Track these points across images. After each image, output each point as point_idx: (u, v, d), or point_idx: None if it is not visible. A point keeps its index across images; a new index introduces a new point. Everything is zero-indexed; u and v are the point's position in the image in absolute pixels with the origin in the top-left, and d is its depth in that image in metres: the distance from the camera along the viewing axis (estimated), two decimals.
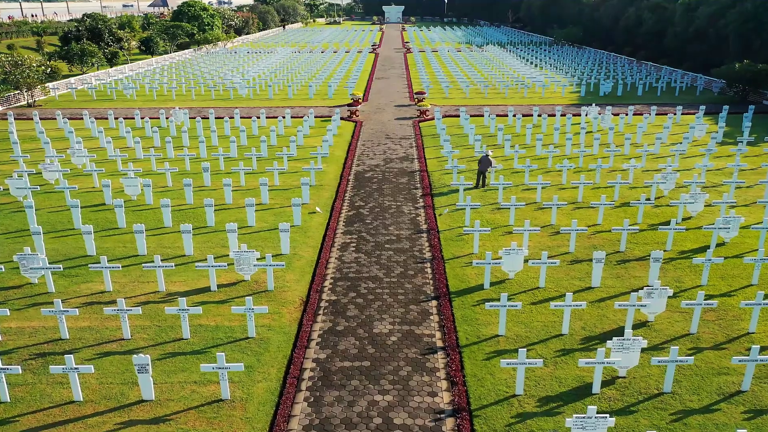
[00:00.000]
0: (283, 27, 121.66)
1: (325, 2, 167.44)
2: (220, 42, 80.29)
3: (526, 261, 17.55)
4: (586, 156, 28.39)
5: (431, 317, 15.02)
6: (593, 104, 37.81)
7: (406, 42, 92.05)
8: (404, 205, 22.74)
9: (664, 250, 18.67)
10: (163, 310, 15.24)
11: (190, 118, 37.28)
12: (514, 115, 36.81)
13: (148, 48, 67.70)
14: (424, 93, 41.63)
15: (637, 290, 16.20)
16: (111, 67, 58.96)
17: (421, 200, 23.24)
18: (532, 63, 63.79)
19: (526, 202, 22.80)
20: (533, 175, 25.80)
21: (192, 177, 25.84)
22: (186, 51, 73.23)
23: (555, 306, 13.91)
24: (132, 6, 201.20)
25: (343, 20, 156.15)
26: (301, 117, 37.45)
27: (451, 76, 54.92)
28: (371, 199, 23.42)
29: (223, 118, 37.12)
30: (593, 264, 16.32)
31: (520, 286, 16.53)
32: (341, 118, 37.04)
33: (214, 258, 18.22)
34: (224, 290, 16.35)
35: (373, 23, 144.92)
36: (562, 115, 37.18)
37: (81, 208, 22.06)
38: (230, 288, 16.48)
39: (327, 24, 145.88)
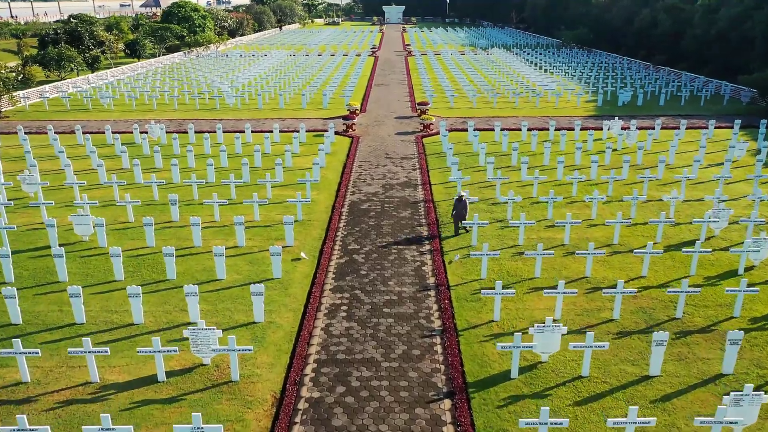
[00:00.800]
0: (280, 28, 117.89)
1: (324, 2, 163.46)
2: (212, 44, 76.57)
3: (564, 334, 13.86)
4: (615, 182, 24.65)
5: (444, 429, 11.31)
6: (615, 117, 34.07)
7: (407, 44, 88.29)
8: (407, 249, 19.01)
9: (731, 317, 14.99)
10: (90, 414, 11.56)
11: (167, 132, 33.56)
12: (529, 130, 33.12)
13: (133, 51, 63.84)
14: (428, 103, 37.91)
15: (707, 382, 12.52)
16: (92, 72, 55.22)
17: (427, 242, 19.53)
18: (540, 67, 60.05)
19: (553, 244, 19.10)
20: (558, 207, 22.08)
21: (159, 210, 22.15)
22: (176, 54, 69.48)
23: (615, 424, 10.23)
24: (128, 5, 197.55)
25: (342, 20, 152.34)
26: (292, 131, 33.75)
27: (455, 82, 51.18)
28: (367, 240, 19.70)
29: (204, 132, 33.42)
30: (652, 347, 12.61)
31: (558, 375, 12.82)
32: (336, 133, 33.33)
33: (170, 327, 14.59)
34: (175, 380, 12.64)
35: (373, 24, 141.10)
36: (581, 129, 33.48)
37: (19, 253, 18.39)
38: (184, 377, 12.77)
39: (325, 25, 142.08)
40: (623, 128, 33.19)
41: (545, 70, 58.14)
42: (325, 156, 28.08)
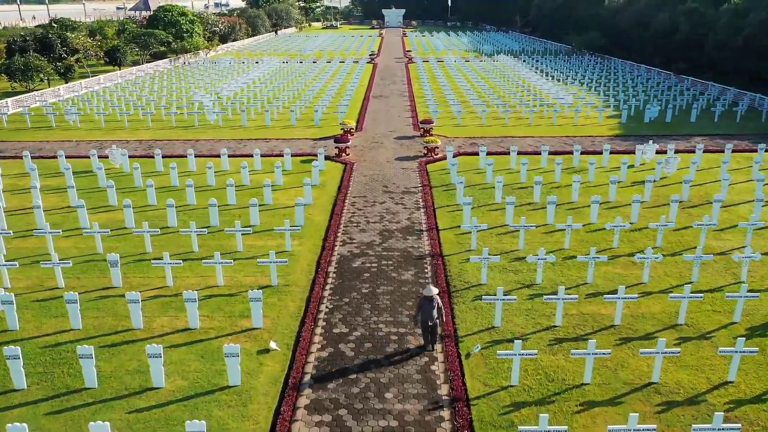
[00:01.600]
0: (276, 32, 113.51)
1: (322, 5, 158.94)
2: (200, 51, 72.11)
3: None
4: (665, 229, 20.12)
5: None
6: (650, 141, 29.56)
7: (408, 51, 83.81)
8: (411, 334, 14.48)
9: None
10: None
11: (131, 157, 29.04)
12: (550, 154, 28.65)
13: (113, 59, 59.30)
14: (432, 122, 33.47)
15: None
16: (66, 82, 50.74)
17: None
18: (552, 77, 55.57)
19: (601, 324, 14.64)
20: (600, 266, 17.56)
21: (99, 270, 17.67)
22: (161, 62, 65.00)
23: None
24: (122, 8, 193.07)
25: (341, 24, 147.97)
26: (276, 155, 29.28)
27: (461, 94, 46.66)
28: (359, 317, 15.20)
29: (174, 157, 28.95)
30: None
31: None
32: (327, 158, 28.85)
33: None
34: None
35: (373, 27, 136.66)
36: (611, 153, 28.95)
37: None
38: None
39: (323, 28, 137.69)
40: (659, 152, 28.75)
41: (558, 80, 53.67)
42: (311, 190, 23.61)
